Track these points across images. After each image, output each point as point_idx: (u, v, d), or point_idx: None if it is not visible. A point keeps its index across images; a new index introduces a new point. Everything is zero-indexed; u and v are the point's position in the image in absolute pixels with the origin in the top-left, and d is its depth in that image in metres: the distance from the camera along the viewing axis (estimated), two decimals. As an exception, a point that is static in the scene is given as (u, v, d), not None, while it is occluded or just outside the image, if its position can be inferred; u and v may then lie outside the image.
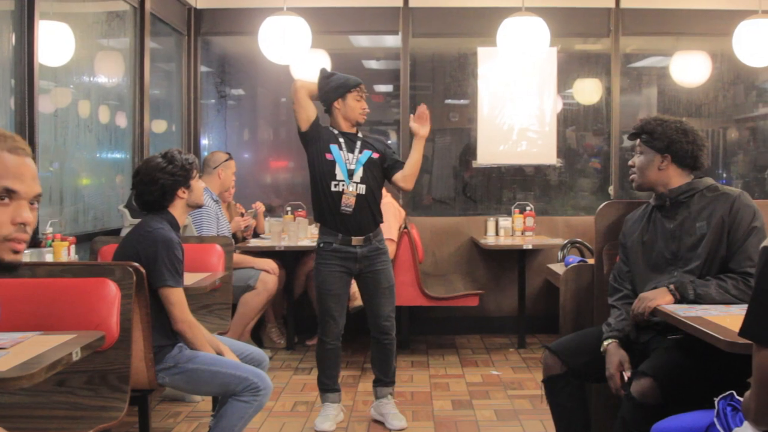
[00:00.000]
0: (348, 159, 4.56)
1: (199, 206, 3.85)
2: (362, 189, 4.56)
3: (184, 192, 3.66)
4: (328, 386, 4.72)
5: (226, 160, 6.06)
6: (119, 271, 3.11)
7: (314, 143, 4.60)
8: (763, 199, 5.58)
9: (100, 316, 3.00)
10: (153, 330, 3.36)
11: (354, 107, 4.59)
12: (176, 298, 3.48)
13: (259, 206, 6.79)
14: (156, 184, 3.60)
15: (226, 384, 3.47)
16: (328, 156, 4.56)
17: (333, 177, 4.55)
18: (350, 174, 4.54)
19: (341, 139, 4.59)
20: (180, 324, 3.49)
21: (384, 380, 4.79)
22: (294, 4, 6.25)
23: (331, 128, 4.64)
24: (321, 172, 4.58)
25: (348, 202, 4.54)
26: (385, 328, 4.70)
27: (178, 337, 3.58)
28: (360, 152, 4.60)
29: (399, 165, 4.66)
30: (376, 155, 4.63)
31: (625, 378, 3.18)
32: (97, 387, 3.05)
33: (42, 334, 2.58)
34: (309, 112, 4.59)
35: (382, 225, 4.75)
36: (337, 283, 4.61)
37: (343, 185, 4.54)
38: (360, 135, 4.67)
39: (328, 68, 7.26)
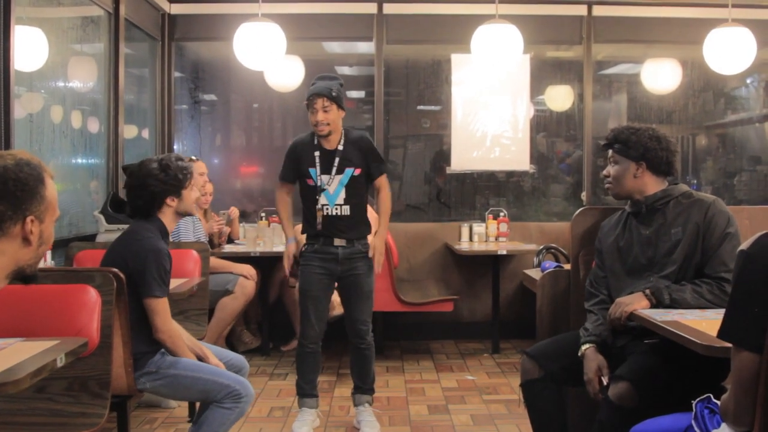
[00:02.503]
0: (326, 182, 4.53)
1: (190, 215, 3.83)
2: (346, 210, 4.54)
3: (173, 200, 3.64)
4: (306, 391, 4.70)
5: (190, 160, 6.01)
6: (100, 277, 3.11)
7: (299, 175, 4.61)
8: (733, 205, 5.64)
9: (81, 323, 3.00)
10: (135, 336, 3.36)
11: (310, 121, 4.52)
12: (161, 308, 3.47)
13: (234, 212, 6.76)
14: (146, 189, 3.58)
15: (207, 390, 3.46)
16: (309, 182, 4.56)
17: (316, 202, 4.55)
18: (330, 196, 4.53)
19: (317, 159, 4.54)
20: (161, 334, 3.48)
21: (362, 387, 4.78)
22: (268, 10, 6.26)
23: (313, 142, 4.57)
24: (305, 196, 4.62)
25: (318, 219, 4.56)
26: (361, 332, 4.68)
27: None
28: (340, 171, 4.53)
29: (377, 170, 4.62)
30: (357, 171, 4.55)
31: (604, 382, 3.22)
32: (77, 393, 3.04)
33: (24, 341, 2.57)
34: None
35: None
36: (317, 285, 4.59)
37: (327, 209, 4.54)
38: (340, 147, 4.55)
39: (302, 75, 7.34)
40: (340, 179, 4.52)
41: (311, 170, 4.55)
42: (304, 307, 4.64)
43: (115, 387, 3.22)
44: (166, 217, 3.66)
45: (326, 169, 4.53)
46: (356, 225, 4.60)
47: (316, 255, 4.59)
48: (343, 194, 4.53)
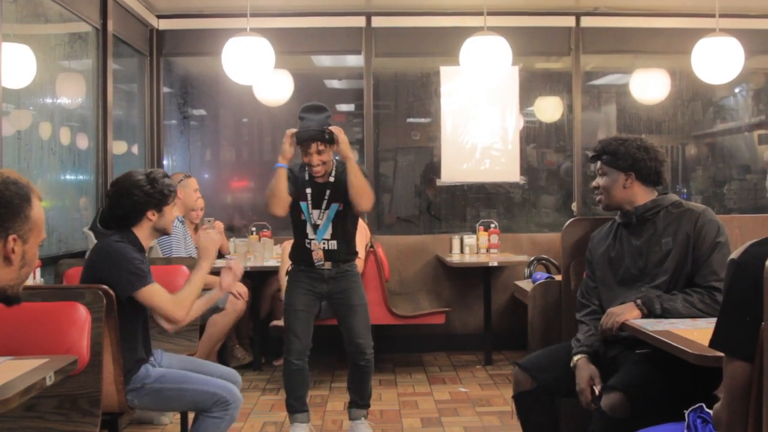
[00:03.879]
0: (315, 216, 4.54)
1: (167, 233, 3.78)
2: (333, 245, 4.55)
3: (153, 215, 3.60)
4: (296, 408, 4.67)
5: (181, 180, 6.02)
6: (89, 294, 3.09)
7: (292, 204, 4.56)
8: (723, 214, 5.66)
9: (71, 340, 2.98)
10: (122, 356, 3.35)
11: (304, 161, 4.49)
12: (156, 295, 3.45)
13: (219, 225, 6.70)
14: (129, 198, 3.54)
15: (194, 401, 3.46)
16: (301, 216, 4.56)
17: (305, 235, 4.57)
18: (318, 231, 4.54)
19: (309, 192, 4.55)
20: (181, 323, 3.54)
21: (359, 403, 4.76)
22: (257, 25, 6.26)
23: (305, 177, 4.56)
24: (296, 226, 4.62)
25: (318, 256, 4.56)
26: (361, 346, 4.63)
27: (149, 353, 3.58)
28: (327, 206, 4.54)
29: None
30: (341, 206, 4.54)
31: (596, 392, 3.21)
32: (67, 411, 3.02)
33: (14, 359, 2.55)
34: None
35: None
36: (302, 300, 4.59)
37: (314, 243, 4.55)
38: (332, 179, 4.53)
39: (292, 89, 7.34)
40: (328, 214, 4.54)
41: (302, 204, 4.55)
42: (289, 322, 4.62)
43: (105, 404, 3.21)
44: (143, 231, 3.61)
45: (317, 203, 4.55)
46: (342, 253, 4.60)
47: (303, 273, 4.61)
48: (330, 229, 4.55)
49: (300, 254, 4.63)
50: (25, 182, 2.20)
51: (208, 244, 3.75)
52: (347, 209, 4.56)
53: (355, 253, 4.73)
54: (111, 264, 3.42)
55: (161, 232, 3.72)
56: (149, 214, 3.59)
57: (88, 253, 3.63)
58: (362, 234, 6.22)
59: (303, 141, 4.40)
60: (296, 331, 4.59)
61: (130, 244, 3.55)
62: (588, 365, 3.32)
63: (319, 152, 4.39)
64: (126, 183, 3.59)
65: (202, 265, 3.71)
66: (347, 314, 4.64)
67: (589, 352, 3.36)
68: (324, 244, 4.54)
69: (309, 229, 4.55)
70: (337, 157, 4.58)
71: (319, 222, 4.53)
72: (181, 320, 3.54)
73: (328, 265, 4.56)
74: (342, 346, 4.73)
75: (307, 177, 4.56)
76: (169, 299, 3.51)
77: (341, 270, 4.60)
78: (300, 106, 4.56)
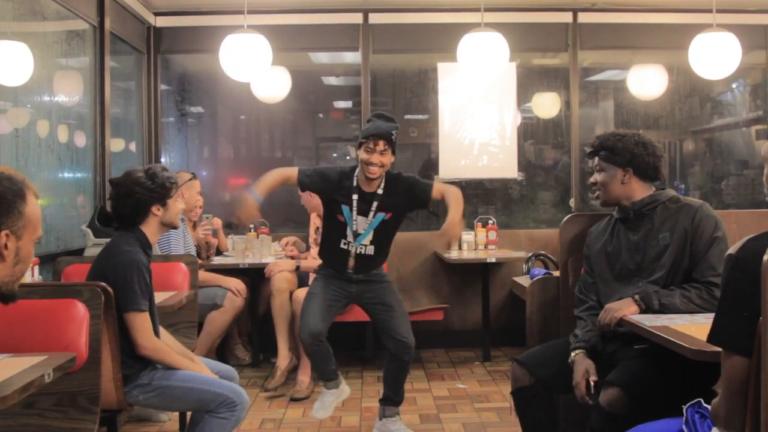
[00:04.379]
0: (358, 222, 4.47)
1: (174, 227, 3.77)
2: (371, 250, 4.52)
3: (158, 209, 3.61)
4: (325, 377, 4.63)
5: (190, 179, 6.04)
6: (88, 291, 3.09)
7: (327, 201, 4.55)
8: (721, 210, 5.66)
9: (69, 337, 2.98)
10: (126, 349, 3.35)
11: (362, 158, 4.39)
12: (139, 324, 3.42)
13: (217, 222, 6.71)
14: (132, 197, 3.55)
15: (201, 401, 3.45)
16: (340, 218, 4.49)
17: (343, 236, 4.51)
18: (359, 236, 4.48)
19: (355, 199, 4.47)
20: (143, 349, 3.44)
21: (393, 399, 4.72)
22: (254, 21, 6.25)
23: (353, 183, 4.49)
24: (331, 229, 4.56)
25: (351, 264, 4.52)
26: (407, 344, 4.57)
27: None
28: (374, 216, 4.49)
29: (427, 189, 4.54)
30: (388, 215, 4.50)
31: (591, 383, 3.22)
32: (66, 409, 3.02)
33: (12, 356, 2.56)
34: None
35: None
36: (325, 290, 4.53)
37: (352, 246, 4.50)
38: (380, 191, 4.48)
39: (289, 86, 7.34)
40: (371, 222, 4.49)
41: (344, 207, 4.48)
42: (306, 304, 4.52)
43: (104, 401, 3.21)
44: (150, 228, 3.62)
45: (363, 212, 4.49)
46: (375, 263, 4.59)
47: (331, 273, 4.58)
48: (370, 236, 4.50)
49: (332, 256, 4.57)
50: (20, 179, 2.19)
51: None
52: (393, 221, 4.55)
53: (386, 257, 4.70)
54: (120, 276, 3.41)
55: (168, 226, 3.72)
56: (154, 209, 3.60)
57: (92, 251, 3.63)
58: None
59: (370, 136, 4.36)
60: (309, 310, 4.47)
61: (139, 243, 3.57)
62: (584, 360, 3.32)
63: (381, 153, 4.35)
64: (127, 182, 3.59)
65: (195, 369, 3.63)
66: (387, 315, 4.59)
67: (586, 348, 3.37)
68: (361, 248, 4.49)
69: (348, 233, 4.48)
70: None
71: (361, 231, 4.48)
72: (144, 349, 3.45)
73: (357, 269, 4.53)
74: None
75: (355, 183, 4.48)
76: (148, 335, 3.46)
77: (370, 273, 4.58)
78: (373, 113, 4.62)
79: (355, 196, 4.47)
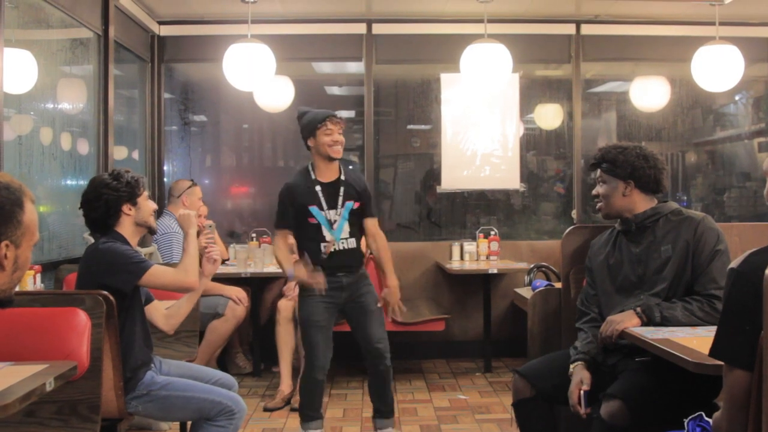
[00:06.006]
0: (331, 217, 4.45)
1: (149, 226, 3.73)
2: (352, 243, 4.50)
3: (129, 209, 3.60)
4: (311, 417, 4.60)
5: (190, 187, 6.05)
6: (89, 300, 3.09)
7: (296, 212, 4.50)
8: (723, 222, 5.66)
9: (71, 346, 2.98)
10: (124, 358, 3.34)
11: (323, 142, 4.41)
12: (161, 274, 3.55)
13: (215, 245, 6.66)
14: (100, 200, 3.56)
15: (200, 409, 3.45)
16: (312, 220, 4.46)
17: (322, 239, 4.46)
18: (336, 232, 4.46)
19: (321, 194, 4.47)
20: (189, 290, 3.76)
21: (383, 410, 4.68)
22: (258, 31, 6.27)
23: (310, 177, 4.49)
24: (307, 236, 4.51)
25: (334, 264, 4.47)
26: (379, 351, 4.54)
27: (150, 358, 3.59)
28: (342, 205, 4.48)
29: (368, 211, 4.60)
30: (356, 205, 4.50)
31: (581, 393, 3.23)
32: (67, 417, 3.01)
33: (13, 365, 2.55)
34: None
35: None
36: (323, 314, 4.47)
37: (333, 245, 4.46)
38: (342, 177, 4.51)
39: (292, 95, 7.35)
40: (343, 213, 4.47)
41: (312, 208, 4.45)
42: (311, 337, 4.49)
43: (105, 410, 3.20)
44: (125, 229, 3.61)
45: (332, 204, 4.47)
46: (357, 256, 4.56)
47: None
48: (347, 227, 4.48)
49: (314, 255, 4.49)
50: (17, 186, 2.17)
51: (183, 219, 3.87)
52: (360, 211, 4.54)
53: (363, 255, 4.69)
54: (107, 263, 3.45)
55: (143, 225, 3.70)
56: (125, 208, 3.60)
57: (80, 262, 3.63)
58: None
59: (326, 117, 4.43)
60: (321, 345, 4.48)
61: (119, 242, 3.57)
62: (581, 371, 3.33)
63: (339, 132, 4.46)
64: (93, 186, 3.62)
65: (189, 232, 3.82)
66: (365, 320, 4.55)
67: (586, 360, 3.37)
68: (343, 243, 4.47)
69: (324, 231, 4.45)
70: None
71: (335, 219, 4.45)
72: (196, 284, 3.67)
73: (343, 273, 4.48)
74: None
75: (313, 176, 4.49)
76: (175, 271, 3.62)
77: (357, 275, 4.54)
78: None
79: (318, 188, 4.48)
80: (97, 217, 3.60)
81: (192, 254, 3.72)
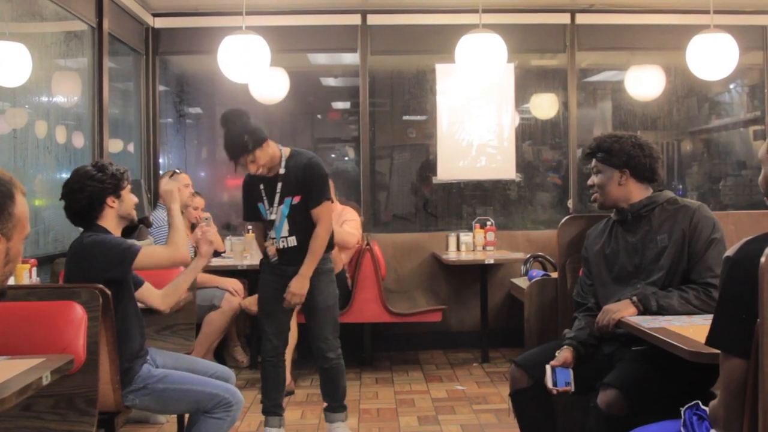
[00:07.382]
0: (272, 212, 4.39)
1: (132, 219, 3.70)
2: (293, 241, 4.39)
3: (113, 201, 3.56)
4: (267, 408, 4.57)
5: (172, 175, 5.98)
6: (85, 293, 3.08)
7: (249, 203, 4.53)
8: (719, 211, 5.66)
9: (67, 339, 2.97)
10: (120, 351, 3.34)
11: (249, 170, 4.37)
12: (153, 253, 3.59)
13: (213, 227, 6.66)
14: (84, 192, 3.50)
15: (197, 402, 3.45)
16: (262, 216, 4.46)
17: (267, 236, 4.48)
18: (276, 229, 4.40)
19: (263, 191, 4.40)
20: (181, 265, 3.84)
21: (332, 405, 4.62)
22: (253, 23, 6.25)
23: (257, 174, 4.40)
24: (263, 230, 4.55)
25: (272, 252, 4.44)
26: (321, 350, 4.48)
27: (145, 350, 3.59)
28: (281, 201, 4.36)
29: (312, 201, 4.36)
30: (296, 199, 4.36)
31: (547, 372, 3.28)
32: (64, 411, 3.01)
33: (9, 359, 2.55)
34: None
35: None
36: (272, 300, 4.46)
37: (275, 242, 4.42)
38: (282, 171, 4.36)
39: (287, 87, 7.32)
40: (282, 209, 4.37)
41: (260, 205, 4.43)
42: (261, 322, 4.55)
43: (102, 404, 3.20)
44: (109, 222, 3.57)
45: (271, 200, 4.40)
46: (302, 255, 4.37)
47: (269, 271, 4.50)
48: (286, 225, 4.37)
49: (264, 255, 4.56)
50: (7, 178, 2.15)
51: (165, 194, 3.88)
52: (305, 202, 4.37)
53: (329, 247, 4.50)
54: (96, 255, 3.42)
55: (126, 218, 3.67)
56: (109, 201, 3.56)
57: (67, 258, 3.59)
58: (357, 221, 6.23)
59: (232, 160, 4.29)
60: (268, 331, 4.51)
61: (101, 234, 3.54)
62: (564, 352, 3.38)
63: (252, 162, 4.25)
64: (76, 177, 3.55)
65: (171, 206, 3.82)
66: (310, 315, 4.50)
67: (572, 345, 3.39)
68: (283, 242, 4.39)
69: (270, 229, 4.43)
70: (281, 147, 4.44)
71: (274, 218, 4.38)
72: (187, 258, 3.69)
73: (293, 268, 4.38)
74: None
75: (259, 177, 4.41)
76: (165, 248, 3.65)
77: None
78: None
79: (261, 186, 4.42)
80: (80, 209, 3.54)
81: (178, 227, 3.72)
